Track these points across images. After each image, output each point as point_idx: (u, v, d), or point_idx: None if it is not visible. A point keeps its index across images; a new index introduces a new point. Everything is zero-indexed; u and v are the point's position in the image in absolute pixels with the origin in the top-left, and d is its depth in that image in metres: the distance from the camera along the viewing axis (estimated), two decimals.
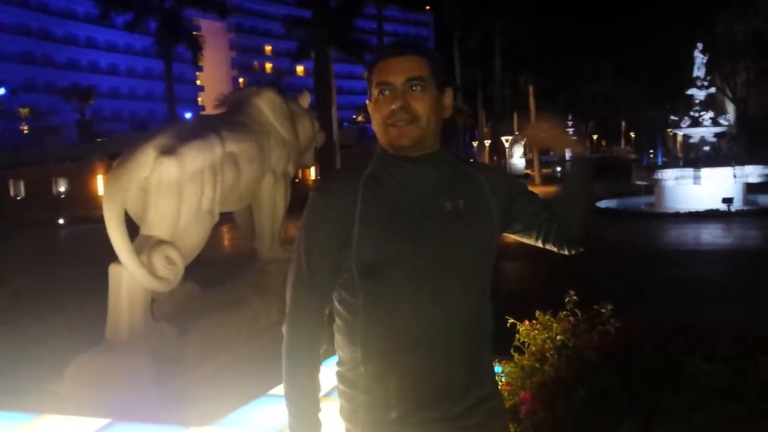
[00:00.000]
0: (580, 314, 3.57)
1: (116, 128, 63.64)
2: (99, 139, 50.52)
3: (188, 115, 62.44)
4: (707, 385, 2.77)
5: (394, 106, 1.74)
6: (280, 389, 4.21)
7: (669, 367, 3.04)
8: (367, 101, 1.86)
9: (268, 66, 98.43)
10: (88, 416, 3.89)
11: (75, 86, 61.75)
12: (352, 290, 1.74)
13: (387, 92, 1.76)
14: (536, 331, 3.49)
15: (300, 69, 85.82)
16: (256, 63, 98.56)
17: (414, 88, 1.75)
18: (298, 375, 1.77)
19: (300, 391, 1.77)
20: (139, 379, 4.29)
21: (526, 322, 3.57)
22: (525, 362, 3.17)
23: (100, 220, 4.50)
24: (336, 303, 1.79)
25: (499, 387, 2.12)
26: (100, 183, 37.68)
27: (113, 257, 4.48)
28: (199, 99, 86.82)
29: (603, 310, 3.46)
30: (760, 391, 2.82)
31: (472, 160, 2.05)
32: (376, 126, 1.80)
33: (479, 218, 1.80)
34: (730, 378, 2.86)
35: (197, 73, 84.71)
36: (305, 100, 6.78)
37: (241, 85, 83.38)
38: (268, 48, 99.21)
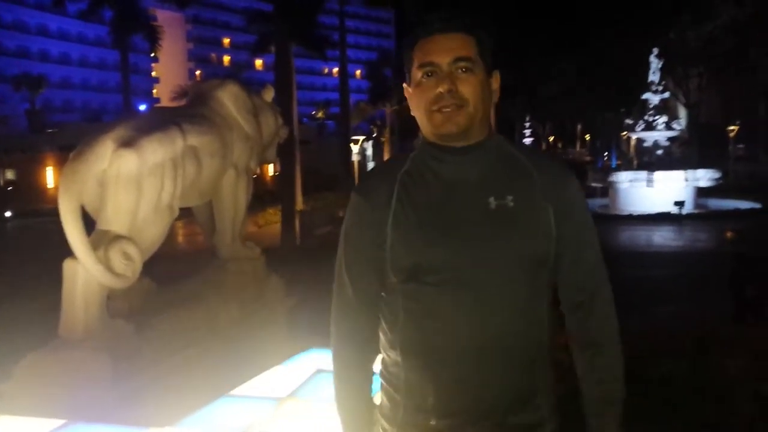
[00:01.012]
0: None
1: (67, 119, 61.89)
2: (49, 130, 49.14)
3: (143, 107, 61.14)
4: (675, 384, 2.81)
5: (440, 89, 1.56)
6: (242, 389, 4.15)
7: (634, 367, 3.07)
8: (405, 85, 1.68)
9: (226, 59, 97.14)
10: (41, 417, 3.74)
11: (25, 75, 59.86)
12: (393, 293, 1.64)
13: (431, 74, 1.58)
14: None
15: (259, 63, 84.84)
16: (213, 55, 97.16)
17: (462, 69, 1.58)
18: (347, 380, 1.71)
19: (350, 396, 1.70)
20: (95, 378, 4.15)
21: None
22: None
23: (50, 213, 4.35)
24: (381, 304, 1.69)
25: None
26: (50, 175, 36.70)
27: (65, 251, 4.32)
28: (154, 91, 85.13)
29: None
30: (725, 390, 2.88)
31: (531, 148, 1.83)
32: (417, 112, 1.64)
33: (532, 218, 1.59)
34: (694, 377, 2.91)
35: (153, 65, 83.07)
36: (269, 94, 6.68)
37: (198, 78, 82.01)
38: (226, 40, 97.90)
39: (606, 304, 1.70)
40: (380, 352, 1.74)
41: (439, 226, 1.56)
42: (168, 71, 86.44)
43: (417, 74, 1.61)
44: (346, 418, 1.71)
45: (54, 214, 4.34)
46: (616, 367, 1.71)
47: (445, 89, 1.56)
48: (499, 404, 1.60)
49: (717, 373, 3.19)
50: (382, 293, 1.67)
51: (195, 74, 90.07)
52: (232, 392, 3.86)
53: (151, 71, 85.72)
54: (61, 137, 40.97)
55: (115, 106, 70.86)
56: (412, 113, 1.68)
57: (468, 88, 1.57)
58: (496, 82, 1.66)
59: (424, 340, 1.59)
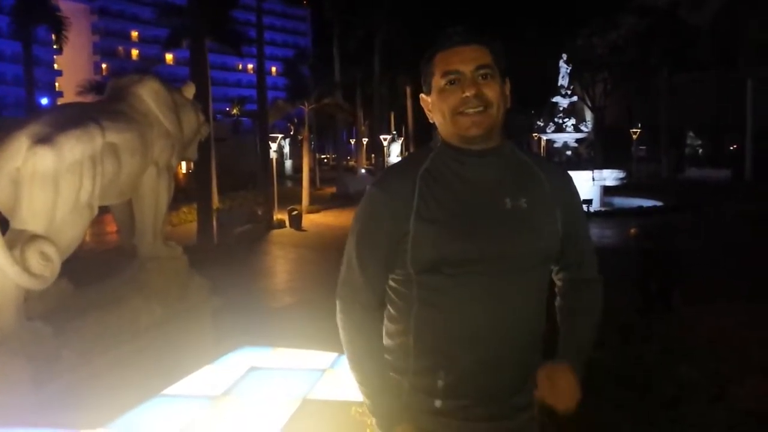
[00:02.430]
0: None
1: None
2: None
3: (45, 101, 58.21)
4: (597, 372, 2.97)
5: (467, 94, 1.67)
6: (175, 389, 4.09)
7: None
8: (422, 95, 1.79)
9: (135, 52, 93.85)
10: None
11: None
12: (407, 283, 1.72)
13: (455, 81, 1.69)
14: None
15: (169, 57, 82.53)
16: (121, 48, 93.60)
17: (484, 76, 1.70)
18: (363, 362, 1.74)
19: (369, 374, 1.74)
20: (13, 382, 3.97)
21: None
22: None
23: None
24: (389, 292, 1.76)
25: None
26: None
27: None
28: (57, 84, 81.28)
29: None
30: (646, 379, 3.07)
31: (534, 153, 1.96)
32: (440, 117, 1.74)
33: (542, 220, 1.74)
34: (616, 364, 3.09)
35: (55, 57, 79.19)
36: (190, 91, 6.54)
37: (104, 72, 78.58)
38: (134, 33, 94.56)
39: (597, 282, 1.92)
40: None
41: (461, 222, 1.66)
42: (72, 64, 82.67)
43: (440, 82, 1.72)
44: (370, 388, 1.75)
45: None
46: (593, 331, 1.88)
47: (471, 93, 1.68)
48: (506, 386, 1.72)
49: (636, 360, 3.40)
50: (392, 283, 1.76)
51: (101, 67, 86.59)
52: (165, 392, 3.80)
53: (53, 63, 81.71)
54: None
55: (14, 100, 67.07)
56: (430, 120, 1.79)
57: (491, 92, 1.70)
58: (508, 88, 1.78)
59: (441, 326, 1.68)
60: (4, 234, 4.21)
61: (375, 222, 1.72)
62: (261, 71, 23.88)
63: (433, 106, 1.75)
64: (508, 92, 1.77)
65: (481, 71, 1.69)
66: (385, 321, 1.80)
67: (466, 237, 1.65)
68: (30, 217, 4.34)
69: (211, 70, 19.32)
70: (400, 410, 1.73)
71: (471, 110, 1.68)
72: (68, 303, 5.03)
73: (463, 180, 1.71)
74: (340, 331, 1.79)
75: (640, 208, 23.08)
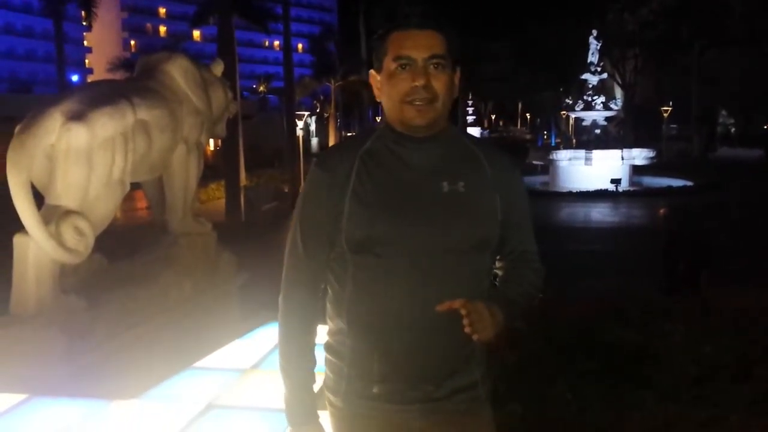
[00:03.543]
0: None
1: None
2: None
3: (75, 78, 58.81)
4: (622, 350, 3.00)
5: (416, 84, 1.66)
6: (205, 362, 4.18)
7: (585, 334, 3.26)
8: (372, 71, 1.76)
9: (162, 29, 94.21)
10: None
11: None
12: (342, 263, 1.72)
13: (407, 67, 1.67)
14: None
15: (197, 34, 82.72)
16: (149, 25, 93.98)
17: (435, 66, 1.67)
18: (291, 347, 1.77)
19: (293, 363, 1.77)
20: (49, 353, 4.10)
21: None
22: None
23: None
24: (328, 273, 1.77)
25: None
26: None
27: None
28: (87, 61, 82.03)
29: None
30: (670, 358, 3.09)
31: (481, 139, 1.92)
32: (387, 100, 1.72)
33: (480, 204, 1.72)
34: (643, 343, 3.11)
35: (84, 34, 79.84)
36: (218, 68, 6.58)
37: (133, 49, 78.83)
38: (162, 10, 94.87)
39: (538, 271, 1.88)
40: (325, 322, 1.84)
41: (394, 203, 1.67)
42: (101, 41, 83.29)
43: (391, 65, 1.69)
44: (291, 379, 1.78)
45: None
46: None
47: (421, 84, 1.65)
48: (439, 370, 1.72)
49: (659, 339, 3.42)
50: (332, 263, 1.75)
51: (129, 44, 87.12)
52: (196, 364, 3.90)
53: (83, 41, 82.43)
54: None
55: (46, 77, 67.92)
56: (377, 99, 1.78)
57: (439, 84, 1.68)
58: (457, 78, 1.76)
59: (372, 309, 1.69)
60: (40, 209, 4.32)
61: (315, 201, 1.73)
62: (287, 48, 23.90)
63: (382, 87, 1.73)
64: (457, 81, 1.75)
65: (434, 61, 1.67)
66: (327, 305, 1.80)
67: (398, 218, 1.66)
68: (64, 192, 4.44)
69: (237, 46, 19.37)
70: (312, 410, 1.76)
71: (418, 101, 1.67)
72: (101, 277, 5.15)
73: (402, 162, 1.71)
74: (279, 313, 1.79)
75: (670, 187, 22.82)
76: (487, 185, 1.74)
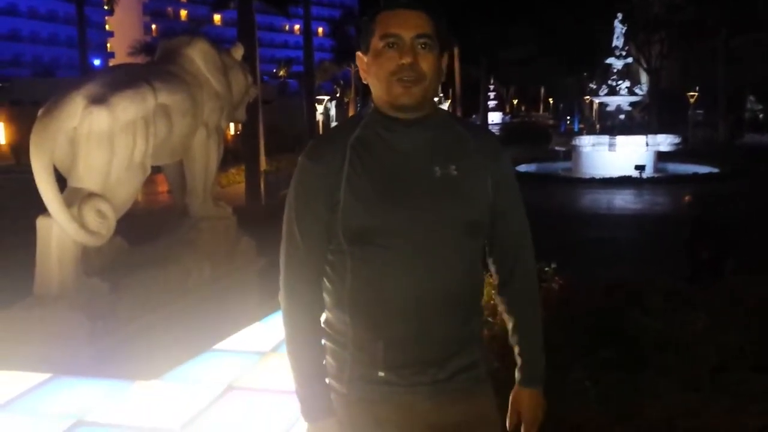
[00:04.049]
0: None
1: (17, 73, 59.85)
2: None
3: (97, 62, 59.27)
4: (643, 337, 2.96)
5: (403, 61, 1.65)
6: (225, 344, 4.22)
7: (608, 321, 3.23)
8: (359, 53, 1.76)
9: (183, 13, 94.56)
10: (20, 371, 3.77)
11: None
12: (340, 255, 1.71)
13: (394, 45, 1.66)
14: (487, 287, 3.60)
15: (217, 18, 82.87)
16: (170, 9, 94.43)
17: (423, 45, 1.67)
18: (300, 345, 1.75)
19: (305, 359, 1.75)
20: (72, 335, 4.16)
21: None
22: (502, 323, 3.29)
23: (1, 171, 4.28)
24: (326, 266, 1.76)
25: None
26: (1, 130, 35.50)
27: (21, 209, 4.28)
28: (108, 45, 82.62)
29: (546, 269, 3.60)
30: (690, 343, 3.06)
31: (470, 122, 1.94)
32: (374, 80, 1.71)
33: (473, 187, 1.73)
34: (664, 331, 3.08)
35: (106, 18, 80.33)
36: (238, 52, 6.59)
37: (154, 33, 79.09)
38: None
39: (528, 264, 1.90)
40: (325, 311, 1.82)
41: (390, 191, 1.67)
42: (122, 25, 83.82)
43: (378, 44, 1.68)
44: (303, 376, 1.77)
45: (6, 171, 4.27)
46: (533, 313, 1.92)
47: (407, 62, 1.65)
48: (443, 352, 1.74)
49: (681, 327, 3.39)
50: (328, 255, 1.75)
51: (151, 28, 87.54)
52: (216, 347, 3.93)
53: (105, 24, 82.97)
54: (12, 92, 39.48)
55: (68, 61, 68.56)
56: (364, 81, 1.76)
57: (427, 64, 1.67)
58: (444, 62, 1.75)
59: (374, 298, 1.69)
60: (62, 192, 4.37)
61: (310, 193, 1.70)
62: (308, 32, 23.85)
63: (369, 68, 1.72)
64: (444, 65, 1.75)
65: (421, 40, 1.66)
66: (324, 296, 1.78)
67: (394, 206, 1.66)
68: (86, 175, 4.48)
69: (258, 31, 19.35)
70: (328, 403, 1.75)
71: (405, 78, 1.65)
72: (123, 260, 5.20)
73: (392, 148, 1.71)
74: (283, 312, 1.77)
75: (695, 174, 22.51)
76: (478, 167, 1.74)
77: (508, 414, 1.88)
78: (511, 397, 1.89)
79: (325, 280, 1.77)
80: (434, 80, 1.69)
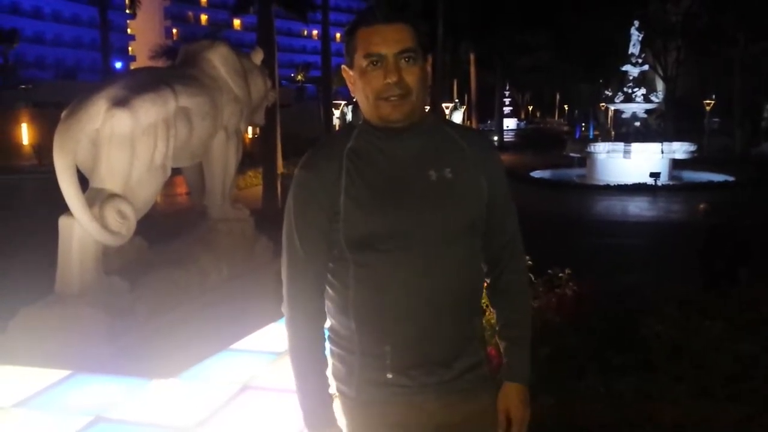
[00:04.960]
0: (534, 278, 3.73)
1: (40, 76, 60.53)
2: (23, 86, 47.98)
3: (119, 65, 59.81)
4: (657, 344, 2.98)
5: (389, 81, 1.66)
6: (242, 344, 4.27)
7: (622, 328, 3.25)
8: (344, 66, 1.76)
9: (204, 18, 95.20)
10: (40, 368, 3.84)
11: None
12: (342, 262, 1.73)
13: (377, 63, 1.66)
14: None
15: (237, 23, 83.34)
16: (190, 14, 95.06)
17: (407, 60, 1.67)
18: (301, 352, 1.77)
19: (309, 369, 1.76)
20: (91, 332, 4.24)
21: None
22: (493, 320, 3.32)
23: (25, 171, 4.37)
24: (328, 274, 1.77)
25: None
26: (24, 131, 35.95)
27: (43, 209, 4.37)
28: (130, 48, 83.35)
29: (561, 275, 3.62)
30: (704, 351, 3.07)
31: (460, 125, 1.96)
32: (362, 97, 1.72)
33: (468, 188, 1.75)
34: (678, 338, 3.09)
35: (128, 21, 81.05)
36: (258, 56, 6.68)
37: (175, 37, 79.62)
38: None
39: (519, 259, 1.92)
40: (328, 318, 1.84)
41: (388, 197, 1.68)
42: (144, 29, 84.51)
43: (362, 62, 1.68)
44: (307, 385, 1.78)
45: (28, 171, 4.37)
46: (524, 311, 1.95)
47: (393, 81, 1.65)
48: (449, 353, 1.76)
49: (696, 335, 3.40)
50: (330, 264, 1.76)
51: (172, 32, 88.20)
52: (232, 346, 3.99)
53: (127, 28, 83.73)
54: (35, 94, 39.95)
55: (91, 64, 69.26)
56: (352, 94, 1.78)
57: (412, 78, 1.68)
58: (429, 65, 1.75)
59: (379, 303, 1.71)
60: (84, 193, 4.46)
61: (310, 204, 1.72)
62: (326, 37, 23.95)
63: (356, 84, 1.73)
64: (429, 69, 1.75)
65: (405, 55, 1.66)
66: (327, 303, 1.79)
67: (393, 212, 1.68)
68: (108, 176, 4.57)
69: (276, 35, 19.47)
70: (331, 412, 1.77)
71: (393, 98, 1.67)
72: (142, 260, 5.29)
73: (387, 156, 1.72)
74: (287, 322, 1.79)
75: (711, 182, 22.35)
76: (471, 168, 1.76)
77: (498, 415, 1.87)
78: (498, 397, 1.87)
79: (327, 288, 1.79)
80: (421, 91, 1.71)
